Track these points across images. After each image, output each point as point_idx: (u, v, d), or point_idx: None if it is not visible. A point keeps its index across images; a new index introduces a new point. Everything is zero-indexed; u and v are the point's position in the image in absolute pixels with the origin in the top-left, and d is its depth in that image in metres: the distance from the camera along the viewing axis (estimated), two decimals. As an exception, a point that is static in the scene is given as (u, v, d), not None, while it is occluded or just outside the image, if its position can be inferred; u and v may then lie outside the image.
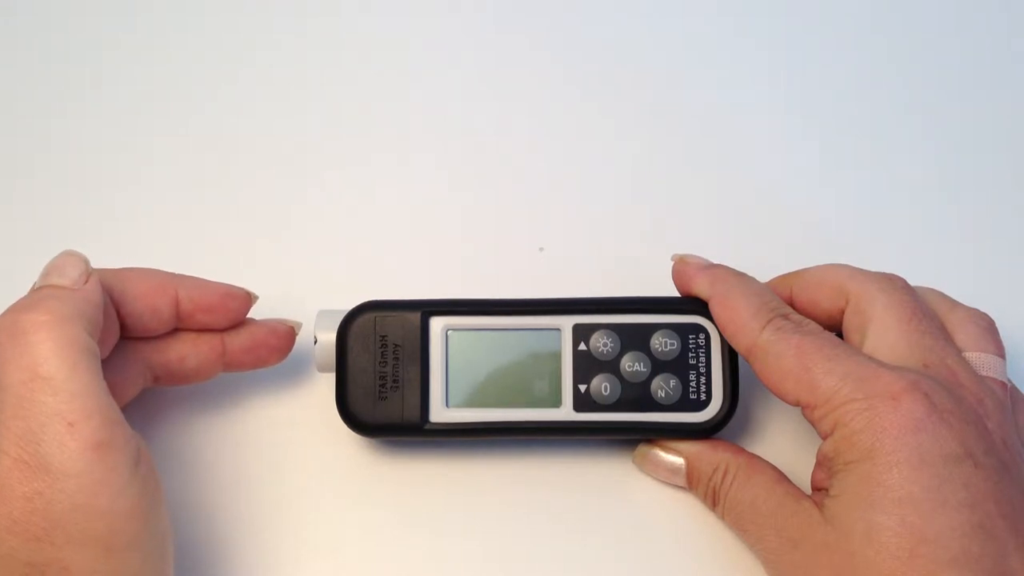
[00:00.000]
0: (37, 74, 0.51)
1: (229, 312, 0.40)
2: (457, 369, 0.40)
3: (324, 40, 0.52)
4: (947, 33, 0.52)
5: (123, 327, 0.38)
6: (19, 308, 0.33)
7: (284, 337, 0.41)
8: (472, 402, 0.40)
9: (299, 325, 0.42)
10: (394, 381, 0.40)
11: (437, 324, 0.40)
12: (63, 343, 0.32)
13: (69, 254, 0.36)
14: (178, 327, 0.40)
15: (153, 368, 0.39)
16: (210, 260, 0.46)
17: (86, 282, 0.35)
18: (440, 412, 0.40)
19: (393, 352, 0.40)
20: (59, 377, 0.31)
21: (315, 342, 0.41)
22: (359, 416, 0.40)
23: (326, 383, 0.43)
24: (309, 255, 0.47)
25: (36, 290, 0.35)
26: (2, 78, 0.51)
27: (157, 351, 0.39)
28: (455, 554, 0.41)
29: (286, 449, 0.43)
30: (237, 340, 0.40)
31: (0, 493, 0.31)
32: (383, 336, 0.40)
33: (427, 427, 0.40)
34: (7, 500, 0.31)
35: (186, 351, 0.40)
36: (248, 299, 0.40)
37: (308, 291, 0.44)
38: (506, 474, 0.42)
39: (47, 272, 0.35)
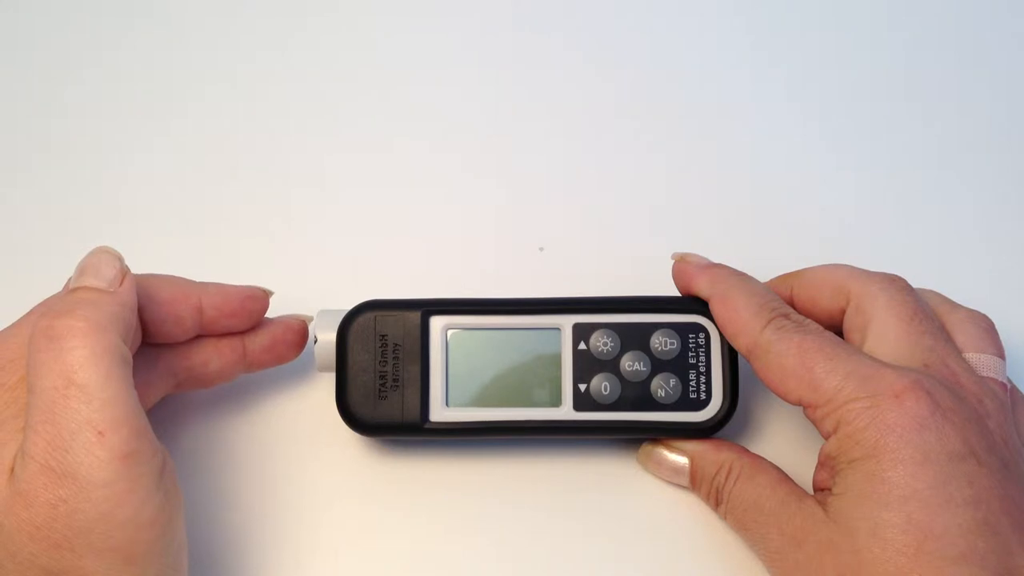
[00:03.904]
0: (38, 74, 0.51)
1: (250, 314, 0.40)
2: (457, 368, 0.40)
3: (325, 39, 0.52)
4: (949, 35, 0.52)
5: (144, 333, 0.38)
6: (55, 312, 0.33)
7: (300, 332, 0.42)
8: (472, 401, 0.40)
9: (309, 318, 0.42)
10: (394, 380, 0.40)
11: (437, 323, 0.40)
12: (98, 350, 0.32)
13: (104, 252, 0.36)
14: (200, 333, 0.39)
15: (176, 374, 0.39)
16: (210, 260, 0.46)
17: (121, 283, 0.35)
18: (440, 411, 0.40)
19: (393, 351, 0.40)
20: (92, 385, 0.31)
21: (315, 341, 0.41)
22: (359, 415, 0.40)
23: (326, 383, 0.43)
24: (309, 255, 0.47)
25: (71, 291, 0.34)
26: (2, 78, 0.51)
27: (180, 357, 0.39)
28: (455, 553, 0.41)
29: (286, 449, 0.43)
30: (257, 340, 0.41)
31: (25, 498, 0.31)
32: (383, 335, 0.40)
33: (427, 426, 0.40)
34: (31, 506, 0.31)
35: (208, 355, 0.40)
36: (266, 298, 0.41)
37: (308, 291, 0.44)
38: (506, 474, 0.42)
39: (82, 271, 0.35)
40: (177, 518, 0.34)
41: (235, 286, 0.40)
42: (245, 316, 0.40)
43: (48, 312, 0.33)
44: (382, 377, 0.40)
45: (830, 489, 0.35)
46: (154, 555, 0.32)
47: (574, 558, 0.41)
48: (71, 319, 0.32)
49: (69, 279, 0.35)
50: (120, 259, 0.35)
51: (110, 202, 0.48)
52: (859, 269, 0.39)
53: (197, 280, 0.39)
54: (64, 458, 0.31)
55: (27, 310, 0.36)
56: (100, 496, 0.31)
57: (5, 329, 0.36)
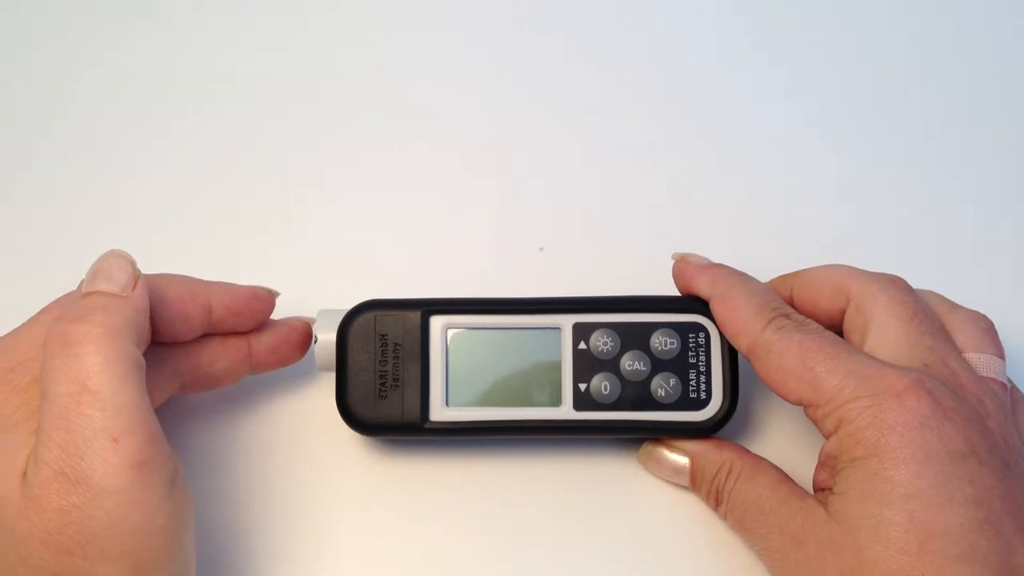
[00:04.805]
0: (38, 74, 0.51)
1: (257, 314, 0.40)
2: (457, 368, 0.40)
3: (325, 39, 0.51)
4: (949, 35, 0.52)
5: (153, 332, 0.37)
6: (69, 317, 0.32)
7: (304, 333, 0.42)
8: (472, 401, 0.40)
9: (313, 320, 0.42)
10: (394, 380, 0.40)
11: (437, 323, 0.40)
12: (112, 357, 0.32)
13: (116, 255, 0.35)
14: (206, 332, 0.39)
15: (182, 374, 0.39)
16: (210, 260, 0.46)
17: (134, 287, 0.35)
18: (440, 411, 0.40)
19: (393, 351, 0.40)
20: (107, 392, 0.31)
21: (315, 341, 0.41)
22: (359, 415, 0.40)
23: (326, 382, 0.43)
24: (309, 255, 0.46)
25: (84, 295, 0.34)
26: (2, 78, 0.51)
27: (187, 356, 0.39)
28: (455, 553, 0.41)
29: (286, 449, 0.43)
30: (262, 341, 0.41)
31: (37, 504, 0.31)
32: (383, 335, 0.40)
33: (427, 426, 0.40)
34: (43, 511, 0.31)
35: (215, 354, 0.40)
36: (273, 298, 0.41)
37: (308, 291, 0.44)
38: (506, 473, 0.42)
39: (94, 275, 0.35)
40: (187, 525, 0.34)
41: (242, 286, 0.40)
42: (251, 316, 0.40)
43: (62, 317, 0.33)
44: (382, 377, 0.40)
45: (831, 488, 0.35)
46: (163, 562, 0.32)
47: (574, 558, 0.41)
48: (86, 324, 0.32)
49: (82, 281, 0.35)
50: (132, 263, 0.35)
51: (110, 202, 0.48)
52: (859, 269, 0.39)
53: (208, 280, 0.39)
54: (78, 465, 0.31)
55: (27, 310, 0.36)
56: (112, 503, 0.31)
57: (16, 330, 0.36)
